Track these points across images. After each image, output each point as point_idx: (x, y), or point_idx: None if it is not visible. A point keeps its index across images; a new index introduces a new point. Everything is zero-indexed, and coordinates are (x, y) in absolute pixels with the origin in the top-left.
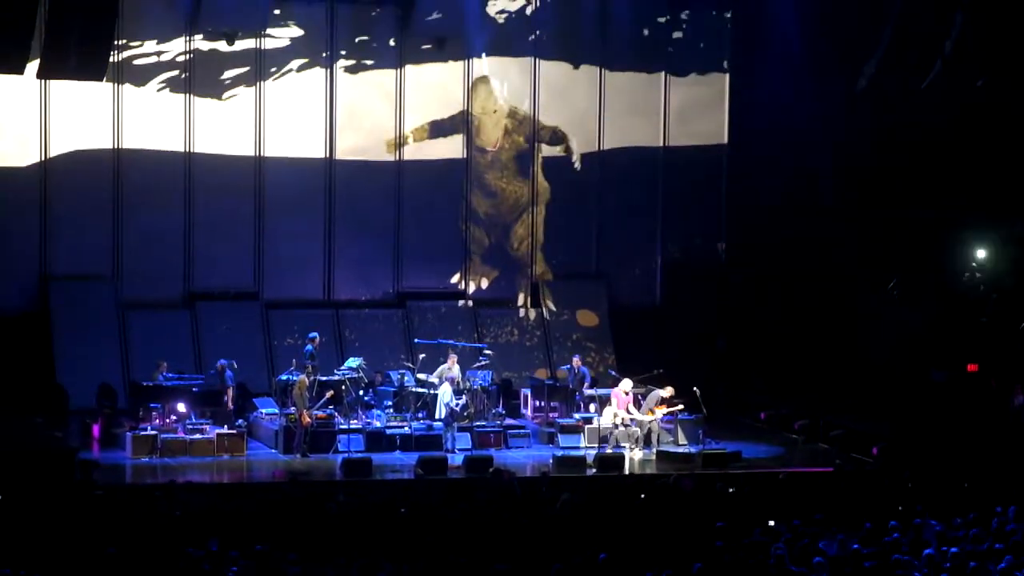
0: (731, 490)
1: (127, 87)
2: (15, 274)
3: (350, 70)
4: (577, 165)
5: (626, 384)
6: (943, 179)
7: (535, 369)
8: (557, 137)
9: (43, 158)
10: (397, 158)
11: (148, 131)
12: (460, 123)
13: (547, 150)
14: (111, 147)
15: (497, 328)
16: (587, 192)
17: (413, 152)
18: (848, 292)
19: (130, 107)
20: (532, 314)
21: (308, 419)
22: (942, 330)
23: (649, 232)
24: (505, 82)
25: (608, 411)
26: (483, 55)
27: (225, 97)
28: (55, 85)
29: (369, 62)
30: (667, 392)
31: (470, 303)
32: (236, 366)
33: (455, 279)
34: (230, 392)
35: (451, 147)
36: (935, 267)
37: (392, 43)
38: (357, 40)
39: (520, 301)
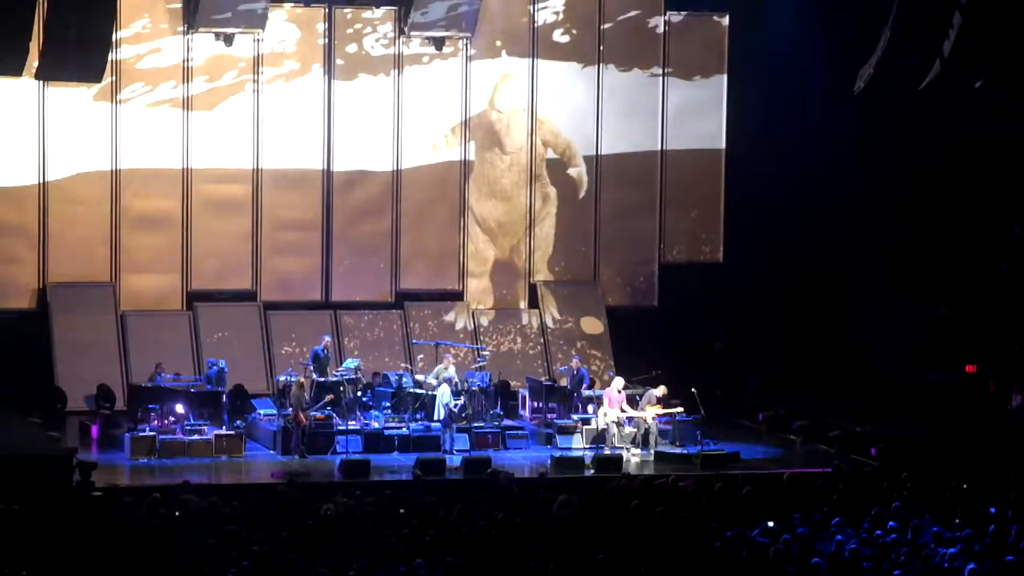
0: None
1: (123, 93)
2: (14, 276)
3: (347, 73)
4: (582, 194)
5: (618, 382)
6: (943, 180)
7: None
8: (571, 155)
9: (41, 163)
10: (394, 168)
11: (145, 136)
12: (485, 124)
13: (558, 160)
14: (109, 150)
15: (500, 336)
16: (585, 195)
17: (414, 156)
18: (846, 293)
19: (127, 115)
20: (535, 321)
21: (304, 419)
22: (944, 330)
23: (647, 235)
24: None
25: (600, 412)
26: (503, 53)
27: (222, 102)
28: (51, 97)
29: (366, 65)
30: (660, 391)
31: (468, 308)
32: (223, 365)
33: (452, 285)
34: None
35: (452, 150)
36: (935, 267)
37: (389, 46)
38: (354, 43)
39: (522, 306)
